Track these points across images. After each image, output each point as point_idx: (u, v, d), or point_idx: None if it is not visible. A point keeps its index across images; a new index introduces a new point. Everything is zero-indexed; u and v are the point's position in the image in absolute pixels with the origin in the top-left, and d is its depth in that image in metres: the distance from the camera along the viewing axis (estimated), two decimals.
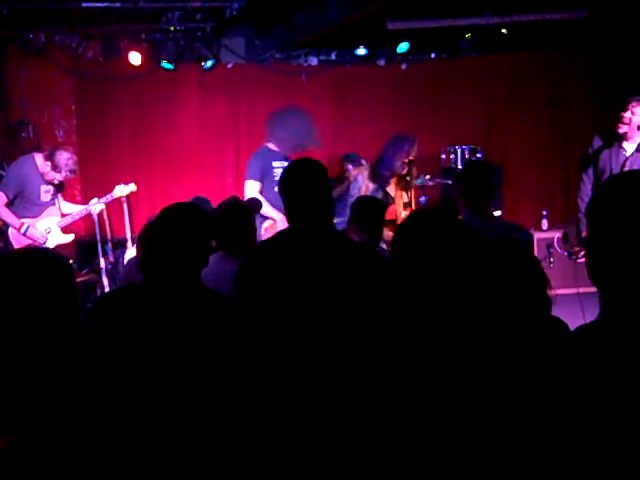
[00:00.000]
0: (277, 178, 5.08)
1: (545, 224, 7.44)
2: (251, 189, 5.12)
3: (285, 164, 5.02)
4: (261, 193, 5.11)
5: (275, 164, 5.20)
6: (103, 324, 2.18)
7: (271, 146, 5.26)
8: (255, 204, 4.23)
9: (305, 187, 2.48)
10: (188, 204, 2.43)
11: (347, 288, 2.37)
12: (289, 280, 2.39)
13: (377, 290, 2.37)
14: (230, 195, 4.55)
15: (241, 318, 2.33)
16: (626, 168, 4.69)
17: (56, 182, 5.36)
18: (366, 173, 5.43)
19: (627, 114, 4.61)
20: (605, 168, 4.84)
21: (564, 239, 5.16)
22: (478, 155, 6.99)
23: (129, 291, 2.37)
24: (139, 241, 2.43)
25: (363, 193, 5.17)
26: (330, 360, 2.30)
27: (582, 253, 4.86)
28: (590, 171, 4.99)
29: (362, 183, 5.34)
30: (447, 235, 2.11)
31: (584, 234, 4.80)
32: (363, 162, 6.07)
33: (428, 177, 6.27)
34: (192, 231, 2.28)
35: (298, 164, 2.63)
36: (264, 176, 5.16)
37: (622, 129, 4.68)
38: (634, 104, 4.62)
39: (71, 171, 5.27)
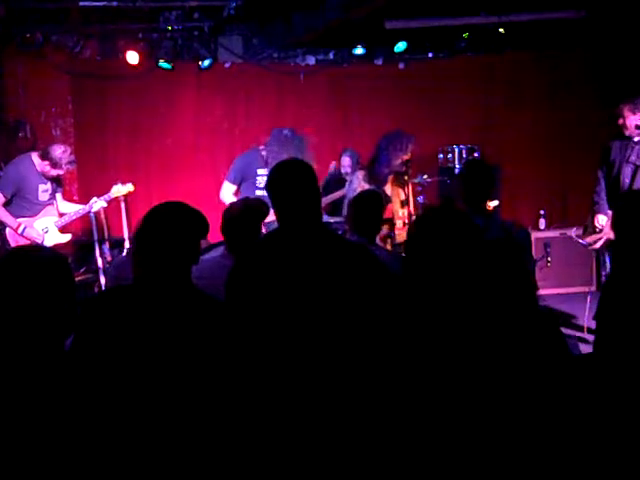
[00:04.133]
0: (260, 185, 5.11)
1: (543, 223, 7.44)
2: (227, 191, 5.24)
3: None
4: (236, 195, 5.19)
5: (260, 171, 5.22)
6: (92, 327, 2.17)
7: (263, 153, 5.25)
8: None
9: (293, 187, 2.48)
10: (177, 203, 2.41)
11: (340, 287, 2.36)
12: (281, 281, 2.39)
13: (370, 289, 2.36)
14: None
15: (232, 320, 2.32)
16: (633, 156, 4.99)
17: (60, 178, 5.39)
18: (361, 174, 5.42)
19: (620, 120, 4.97)
20: (615, 159, 5.14)
21: (585, 230, 5.43)
22: (475, 154, 7.00)
23: (117, 292, 2.35)
24: (132, 239, 2.42)
25: None
26: (324, 361, 2.29)
27: (597, 241, 5.18)
28: (604, 166, 5.28)
29: (357, 185, 5.34)
30: (460, 236, 2.11)
31: (595, 220, 5.19)
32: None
33: (426, 176, 6.28)
34: (180, 230, 2.27)
35: (285, 165, 2.62)
36: (244, 180, 5.22)
37: (626, 133, 5.03)
38: (622, 107, 4.97)
39: (70, 162, 5.26)
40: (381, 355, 2.05)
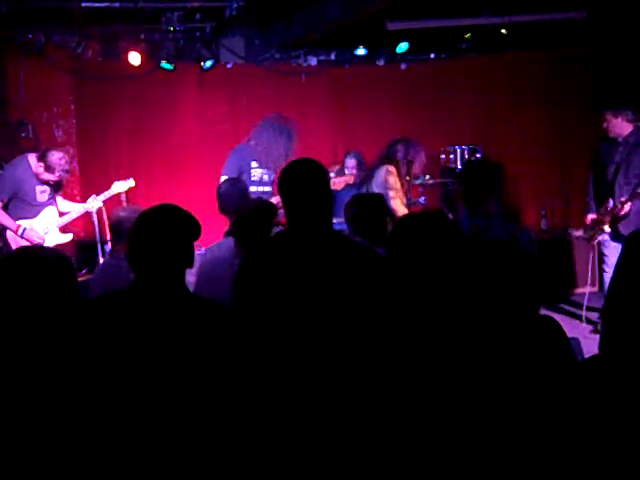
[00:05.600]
0: (254, 178, 5.17)
1: (544, 224, 7.44)
2: None
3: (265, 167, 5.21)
4: None
5: (254, 164, 5.26)
6: (88, 331, 2.16)
7: (252, 143, 5.31)
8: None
9: (305, 187, 2.47)
10: (170, 205, 2.41)
11: (347, 289, 2.36)
12: (289, 281, 2.38)
13: (377, 291, 2.36)
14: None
15: (238, 318, 2.31)
16: (617, 157, 5.44)
17: (51, 183, 5.33)
18: (393, 169, 5.38)
19: (604, 125, 5.49)
20: (603, 161, 5.59)
21: (585, 230, 5.85)
22: (477, 155, 7.00)
23: (112, 298, 2.34)
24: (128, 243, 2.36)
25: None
26: (330, 362, 2.29)
27: (594, 237, 5.65)
28: (593, 168, 5.76)
29: (386, 178, 5.32)
30: (437, 238, 2.12)
31: (586, 219, 5.71)
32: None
33: (428, 177, 6.28)
34: (173, 233, 2.26)
35: (298, 164, 2.61)
36: (241, 174, 5.22)
37: (610, 135, 5.52)
38: (606, 112, 5.48)
39: (64, 171, 5.22)
40: (386, 353, 2.05)
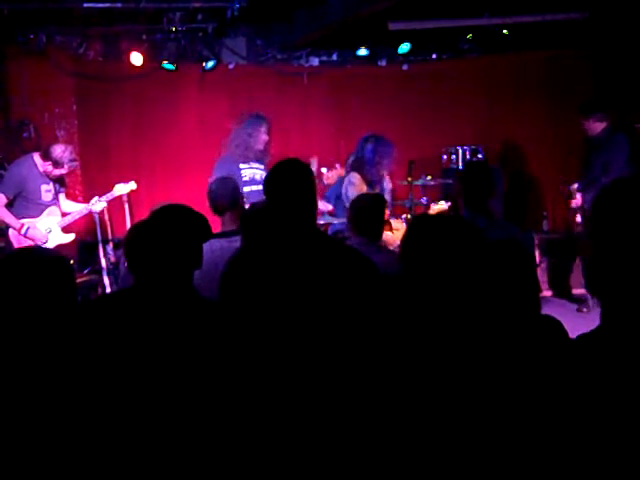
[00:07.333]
0: (246, 178, 5.28)
1: (546, 225, 7.42)
2: None
3: (254, 165, 5.36)
4: None
5: (242, 166, 5.35)
6: (90, 332, 2.15)
7: (232, 153, 5.48)
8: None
9: (289, 188, 2.47)
10: (179, 205, 2.39)
11: (331, 289, 2.34)
12: (273, 282, 2.37)
13: (361, 290, 2.35)
14: None
15: (228, 322, 2.30)
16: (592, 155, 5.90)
17: (64, 177, 5.40)
18: (359, 176, 5.42)
19: (581, 127, 6.00)
20: (586, 158, 6.01)
21: None
22: (479, 156, 6.99)
23: (115, 298, 2.32)
24: (125, 244, 2.31)
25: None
26: (316, 363, 2.27)
27: None
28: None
29: (359, 187, 5.34)
30: (456, 240, 2.11)
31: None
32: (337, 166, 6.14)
33: (429, 178, 6.27)
34: (183, 232, 2.24)
35: (282, 165, 2.60)
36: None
37: (588, 135, 6.01)
38: (580, 119, 5.98)
39: (72, 160, 5.26)
40: (372, 356, 2.04)
